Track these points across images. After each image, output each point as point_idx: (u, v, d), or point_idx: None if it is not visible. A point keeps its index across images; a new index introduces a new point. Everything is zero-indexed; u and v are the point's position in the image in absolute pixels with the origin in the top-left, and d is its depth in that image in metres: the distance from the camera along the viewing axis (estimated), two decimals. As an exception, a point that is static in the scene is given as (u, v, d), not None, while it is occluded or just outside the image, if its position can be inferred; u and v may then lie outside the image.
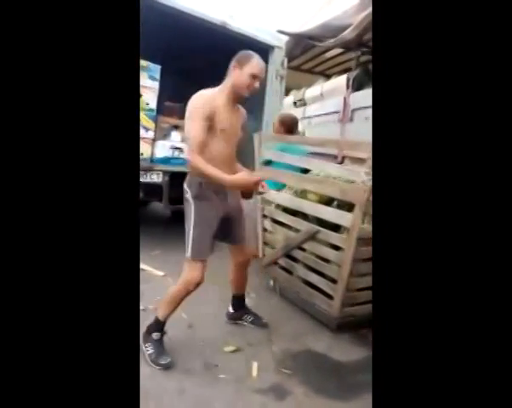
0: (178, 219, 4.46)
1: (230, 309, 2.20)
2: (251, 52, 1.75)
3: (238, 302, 2.19)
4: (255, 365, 1.81)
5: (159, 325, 1.80)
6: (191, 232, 1.75)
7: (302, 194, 2.45)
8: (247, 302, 2.34)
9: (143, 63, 3.15)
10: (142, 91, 3.19)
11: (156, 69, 3.26)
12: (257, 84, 1.72)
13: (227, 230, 1.91)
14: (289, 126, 2.94)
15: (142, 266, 2.91)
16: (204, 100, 1.69)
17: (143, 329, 1.82)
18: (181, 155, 3.43)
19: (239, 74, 1.71)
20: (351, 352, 2.05)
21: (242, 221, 2.00)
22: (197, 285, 1.75)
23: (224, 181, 1.62)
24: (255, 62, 1.71)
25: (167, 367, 1.71)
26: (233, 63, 1.75)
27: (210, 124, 1.68)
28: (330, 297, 2.20)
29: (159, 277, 2.78)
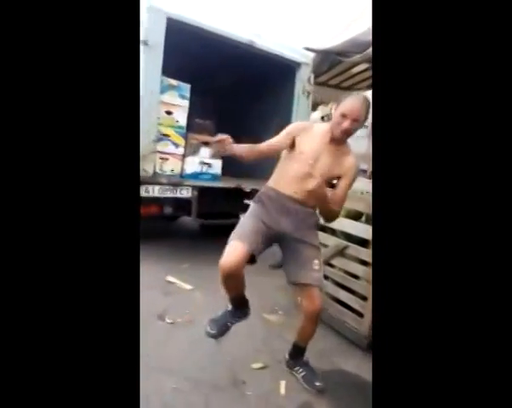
0: (206, 233, 4.56)
1: (286, 355, 1.93)
2: (353, 94, 1.72)
3: (294, 351, 1.89)
4: (283, 384, 1.78)
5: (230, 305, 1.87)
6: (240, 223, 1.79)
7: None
8: (276, 319, 2.32)
9: (173, 82, 3.27)
10: (172, 109, 3.30)
11: (186, 88, 3.37)
12: (346, 123, 1.61)
13: (284, 258, 1.83)
14: None
15: (170, 279, 2.96)
16: (300, 124, 1.85)
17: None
18: (209, 171, 3.50)
19: (334, 113, 1.70)
20: (383, 373, 1.97)
21: (301, 256, 1.72)
22: (226, 272, 1.56)
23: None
24: (347, 102, 1.64)
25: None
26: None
27: (291, 143, 1.76)
28: (360, 314, 2.14)
29: (187, 291, 2.81)
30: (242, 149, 1.71)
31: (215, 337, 1.81)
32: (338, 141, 1.70)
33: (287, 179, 1.75)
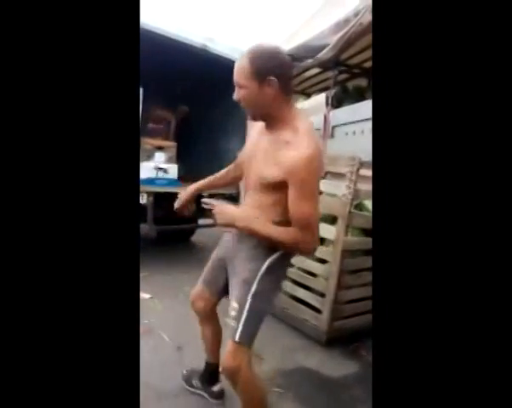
0: (163, 240, 4.45)
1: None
2: None
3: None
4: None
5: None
6: None
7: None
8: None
9: (125, 86, 3.18)
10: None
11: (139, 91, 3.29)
12: (236, 91, 1.20)
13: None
14: None
15: (128, 290, 2.86)
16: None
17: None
18: (165, 176, 3.43)
19: None
20: (342, 367, 2.04)
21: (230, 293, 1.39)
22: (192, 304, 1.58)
23: None
24: None
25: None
26: None
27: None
28: (319, 311, 2.20)
29: (146, 300, 2.72)
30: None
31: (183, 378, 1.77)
32: (269, 123, 1.23)
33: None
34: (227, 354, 1.27)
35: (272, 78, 1.13)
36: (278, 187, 1.17)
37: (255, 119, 1.27)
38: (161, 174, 3.39)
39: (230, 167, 1.60)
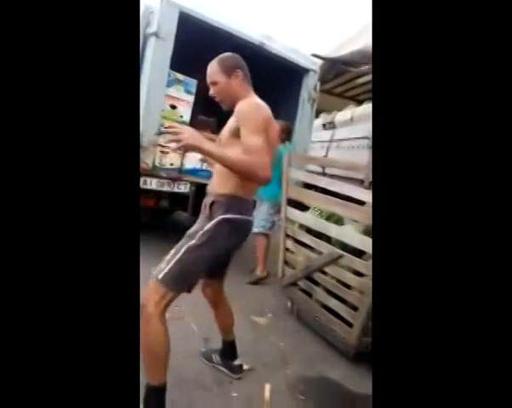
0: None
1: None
2: None
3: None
4: (268, 387, 1.78)
5: None
6: None
7: (329, 217, 2.43)
8: (264, 321, 2.31)
9: (180, 76, 3.26)
10: (177, 103, 3.29)
11: (193, 83, 3.36)
12: (210, 91, 1.53)
13: None
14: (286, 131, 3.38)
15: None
16: None
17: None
18: (209, 168, 3.49)
19: None
20: (368, 384, 1.98)
21: None
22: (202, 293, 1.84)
23: None
24: None
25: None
26: None
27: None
28: (349, 324, 2.14)
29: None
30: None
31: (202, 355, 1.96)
32: (229, 108, 1.51)
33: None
34: (147, 293, 1.40)
35: (238, 70, 1.47)
36: (236, 137, 1.39)
37: (229, 108, 1.50)
38: (205, 166, 3.44)
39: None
